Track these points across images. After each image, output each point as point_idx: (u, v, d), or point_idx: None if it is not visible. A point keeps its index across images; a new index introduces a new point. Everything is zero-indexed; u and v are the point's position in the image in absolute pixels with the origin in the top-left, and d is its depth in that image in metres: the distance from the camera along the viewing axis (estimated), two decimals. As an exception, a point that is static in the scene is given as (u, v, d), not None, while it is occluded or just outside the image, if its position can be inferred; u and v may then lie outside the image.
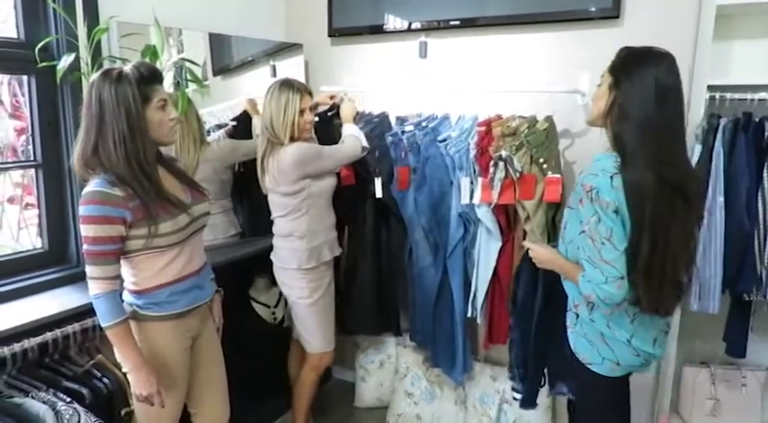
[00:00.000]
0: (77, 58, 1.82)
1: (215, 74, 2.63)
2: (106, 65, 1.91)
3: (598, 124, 1.57)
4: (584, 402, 1.73)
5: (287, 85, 2.13)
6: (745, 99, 2.00)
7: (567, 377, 1.96)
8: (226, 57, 2.68)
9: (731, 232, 2.00)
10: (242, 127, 2.59)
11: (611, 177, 1.41)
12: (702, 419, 2.32)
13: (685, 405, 2.36)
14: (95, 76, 1.46)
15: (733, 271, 2.02)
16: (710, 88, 2.04)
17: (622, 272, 1.40)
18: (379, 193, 2.37)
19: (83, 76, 1.85)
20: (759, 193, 1.96)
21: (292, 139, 2.10)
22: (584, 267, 1.47)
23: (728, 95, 2.02)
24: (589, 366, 1.58)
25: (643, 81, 1.41)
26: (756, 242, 1.99)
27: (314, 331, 2.26)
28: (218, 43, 2.59)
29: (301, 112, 2.11)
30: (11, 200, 2.60)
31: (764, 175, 1.95)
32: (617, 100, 1.45)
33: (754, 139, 1.97)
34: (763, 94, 1.97)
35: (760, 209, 1.97)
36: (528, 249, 1.74)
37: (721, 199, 1.99)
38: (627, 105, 1.43)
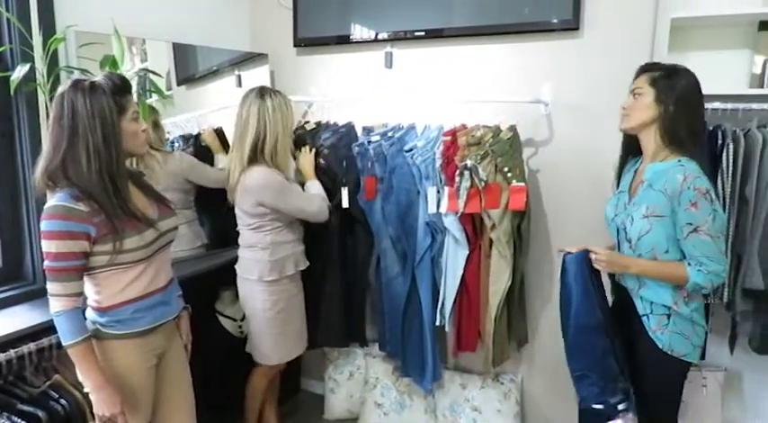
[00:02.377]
0: (32, 69, 1.76)
1: (179, 84, 2.59)
2: (63, 76, 1.87)
3: (635, 132, 1.70)
4: (668, 393, 1.77)
5: (274, 92, 2.11)
6: (700, 109, 2.07)
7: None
8: (190, 66, 2.64)
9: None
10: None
11: (708, 178, 1.57)
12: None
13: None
14: (65, 87, 1.41)
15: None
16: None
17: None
18: (345, 204, 2.36)
19: (39, 87, 1.80)
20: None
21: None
22: (701, 263, 1.56)
23: (684, 105, 2.08)
24: (683, 358, 1.67)
25: (688, 91, 1.61)
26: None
27: (268, 343, 2.22)
28: (182, 53, 2.55)
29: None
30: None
31: (718, 181, 2.01)
32: (669, 111, 1.61)
33: (709, 147, 2.03)
34: (716, 104, 2.04)
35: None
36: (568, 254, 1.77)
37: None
38: (679, 115, 1.60)
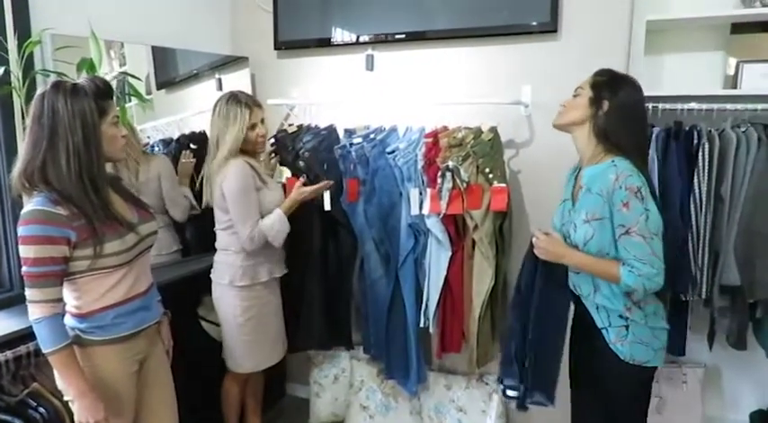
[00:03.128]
0: (7, 72, 1.73)
1: (159, 87, 2.57)
2: (39, 79, 1.84)
3: (565, 129, 1.70)
4: (637, 401, 1.74)
5: (234, 99, 2.07)
6: (676, 109, 2.11)
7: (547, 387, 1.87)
8: (170, 70, 2.62)
9: (667, 236, 2.07)
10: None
11: (641, 175, 1.54)
12: (649, 417, 2.40)
13: (631, 404, 2.43)
14: (45, 88, 1.39)
15: (670, 273, 2.10)
16: (644, 99, 2.15)
17: (662, 260, 1.54)
18: (327, 206, 2.35)
19: (14, 91, 1.77)
20: (691, 198, 2.07)
21: (245, 153, 2.07)
22: (632, 265, 1.52)
23: (660, 106, 2.12)
24: (645, 364, 1.64)
25: (627, 99, 1.61)
26: (690, 245, 2.09)
27: (239, 350, 2.19)
28: (161, 56, 2.53)
29: (252, 126, 2.07)
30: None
31: (695, 180, 2.05)
32: (599, 114, 1.61)
33: (685, 147, 2.08)
34: (692, 105, 2.09)
35: (693, 213, 2.07)
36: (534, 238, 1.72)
37: (656, 204, 2.08)
38: (615, 119, 1.59)
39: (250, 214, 2.05)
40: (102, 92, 1.44)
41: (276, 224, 2.07)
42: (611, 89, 1.61)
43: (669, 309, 2.21)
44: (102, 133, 1.43)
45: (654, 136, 2.09)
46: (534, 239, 1.68)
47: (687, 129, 2.09)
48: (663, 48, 2.26)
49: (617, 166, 1.54)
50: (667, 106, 2.12)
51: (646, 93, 2.13)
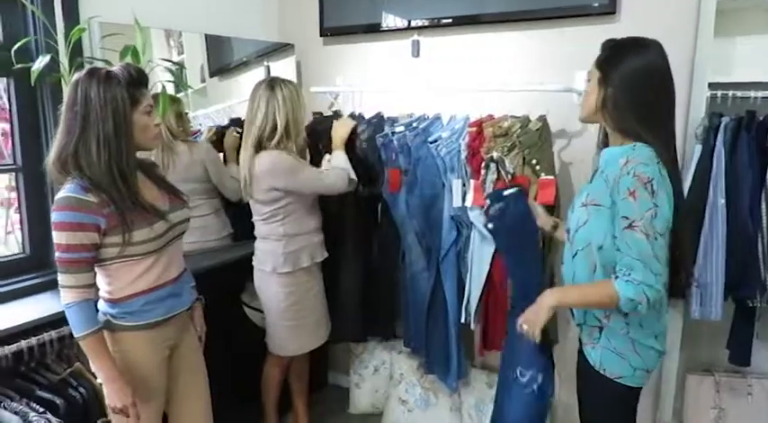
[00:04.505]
0: (54, 60, 1.78)
1: (211, 75, 2.60)
2: (86, 66, 1.88)
3: (591, 120, 1.52)
4: (604, 417, 1.58)
5: (285, 82, 2.08)
6: (748, 97, 1.93)
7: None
8: (221, 58, 2.65)
9: (733, 236, 1.92)
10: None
11: (659, 166, 1.34)
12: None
13: (688, 414, 2.28)
14: (79, 74, 1.41)
15: (735, 276, 1.94)
16: (711, 86, 1.97)
17: (665, 266, 1.34)
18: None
19: (62, 79, 1.82)
20: (762, 195, 1.88)
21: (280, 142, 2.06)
22: (631, 268, 1.32)
23: (730, 93, 1.95)
24: (618, 380, 1.46)
25: (632, 70, 1.38)
26: (760, 246, 1.91)
27: (282, 334, 2.22)
28: (214, 44, 2.56)
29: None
30: (2, 203, 2.58)
31: (768, 175, 1.87)
32: (608, 94, 1.40)
33: (758, 139, 1.89)
34: (766, 92, 1.89)
35: (764, 211, 1.89)
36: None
37: (722, 201, 1.91)
38: (621, 97, 1.38)
39: (314, 171, 2.11)
40: (136, 80, 1.44)
41: (343, 163, 2.16)
42: (613, 60, 1.40)
43: (734, 315, 2.05)
44: (133, 122, 1.44)
45: (722, 126, 1.91)
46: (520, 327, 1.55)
47: (761, 119, 1.90)
48: (735, 29, 2.05)
49: (634, 149, 1.36)
50: (738, 94, 1.93)
51: (715, 79, 1.96)
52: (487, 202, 1.91)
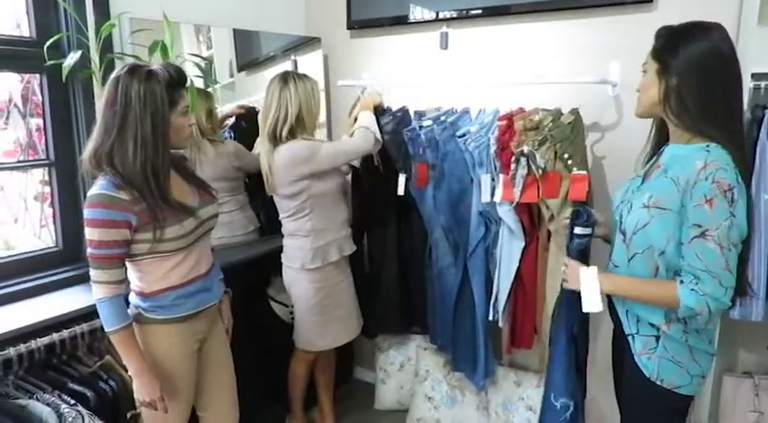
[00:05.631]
0: (85, 56, 1.79)
1: (239, 70, 2.61)
2: (117, 62, 1.89)
3: (649, 115, 1.43)
4: None
5: (299, 75, 2.08)
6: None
7: None
8: (249, 53, 2.66)
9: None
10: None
11: (737, 172, 1.25)
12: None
13: (726, 418, 2.20)
14: (121, 71, 1.41)
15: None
16: (755, 77, 1.88)
17: (735, 277, 1.26)
18: (401, 191, 2.30)
19: (92, 74, 1.83)
20: (808, 191, 1.79)
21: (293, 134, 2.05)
22: (698, 279, 1.25)
23: (775, 84, 1.85)
24: (677, 391, 1.39)
25: (696, 56, 1.27)
26: (804, 244, 1.82)
27: (311, 329, 2.21)
28: (241, 39, 2.57)
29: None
30: (36, 197, 2.64)
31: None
32: (671, 85, 1.31)
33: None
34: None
35: (810, 208, 1.80)
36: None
37: (767, 197, 1.83)
38: (686, 88, 1.28)
39: (334, 142, 2.12)
40: (175, 81, 1.44)
41: (369, 122, 2.12)
42: (672, 48, 1.29)
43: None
44: (170, 124, 1.44)
45: (766, 119, 1.82)
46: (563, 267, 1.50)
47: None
48: (781, 17, 1.96)
49: (710, 152, 1.26)
50: (783, 84, 1.84)
51: (758, 69, 1.87)
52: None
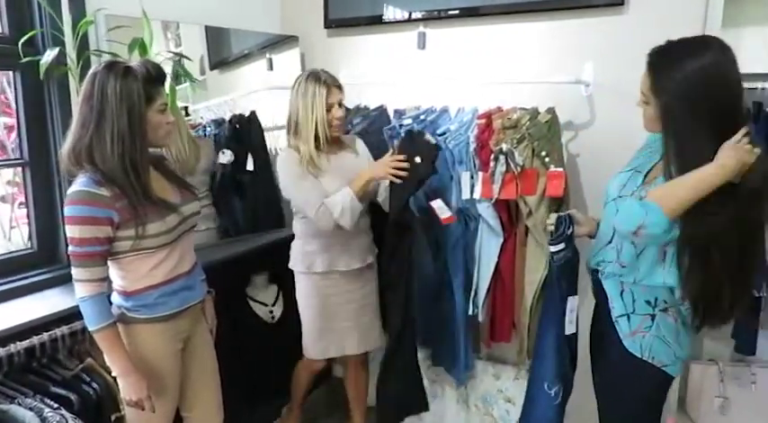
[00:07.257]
0: (62, 53, 1.76)
1: (212, 68, 2.58)
2: (94, 59, 1.86)
3: (655, 130, 1.44)
4: (643, 408, 1.58)
5: (313, 77, 1.96)
6: (755, 88, 1.92)
7: None
8: (222, 50, 2.63)
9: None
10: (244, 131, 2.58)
11: None
12: (711, 418, 2.26)
13: (693, 404, 2.30)
14: (99, 67, 1.40)
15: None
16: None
17: None
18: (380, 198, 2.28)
19: (69, 72, 1.80)
20: (770, 186, 1.89)
21: (317, 139, 1.96)
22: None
23: (738, 85, 1.94)
24: (664, 369, 1.47)
25: (689, 75, 1.27)
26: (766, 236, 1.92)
27: (305, 335, 2.20)
28: (214, 36, 2.54)
29: (329, 107, 1.95)
30: (3, 199, 2.57)
31: (776, 166, 1.87)
32: (662, 104, 1.33)
33: (765, 130, 1.89)
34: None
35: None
36: None
37: (731, 192, 1.92)
38: (678, 107, 1.30)
39: (311, 197, 1.93)
40: (153, 78, 1.43)
41: (340, 200, 1.90)
42: (662, 66, 1.31)
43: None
44: (147, 120, 1.43)
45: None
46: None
47: (768, 110, 1.91)
48: (743, 19, 2.06)
49: None
50: (747, 85, 1.91)
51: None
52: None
